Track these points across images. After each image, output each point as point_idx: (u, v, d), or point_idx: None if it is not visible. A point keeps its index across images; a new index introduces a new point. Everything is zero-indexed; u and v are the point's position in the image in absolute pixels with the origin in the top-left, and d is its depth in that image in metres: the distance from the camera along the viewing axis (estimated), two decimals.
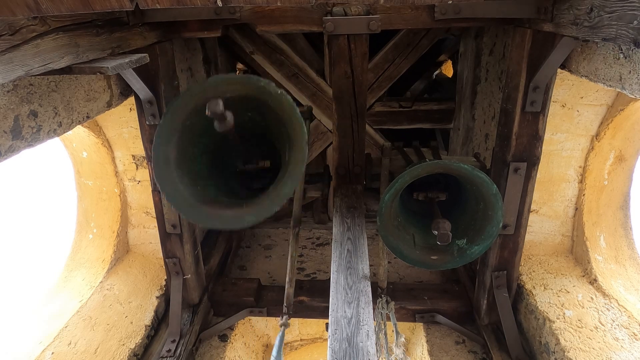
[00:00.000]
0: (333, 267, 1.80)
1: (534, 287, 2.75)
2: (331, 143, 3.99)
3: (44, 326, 2.52)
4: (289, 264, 2.25)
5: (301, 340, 4.11)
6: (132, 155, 3.05)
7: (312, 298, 3.11)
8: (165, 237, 2.76)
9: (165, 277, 3.08)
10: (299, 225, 2.38)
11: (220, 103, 1.49)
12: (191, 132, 1.74)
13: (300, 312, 3.12)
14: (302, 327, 4.02)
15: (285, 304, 2.19)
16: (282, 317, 2.13)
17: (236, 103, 1.68)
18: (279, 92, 1.62)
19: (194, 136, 1.77)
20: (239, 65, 5.25)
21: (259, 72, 4.25)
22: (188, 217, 1.71)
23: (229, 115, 1.54)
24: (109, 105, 2.36)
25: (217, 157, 1.98)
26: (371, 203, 2.53)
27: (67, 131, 2.03)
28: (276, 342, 1.94)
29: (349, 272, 1.75)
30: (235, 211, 1.73)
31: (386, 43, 3.67)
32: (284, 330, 2.05)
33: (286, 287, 2.22)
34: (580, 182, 2.84)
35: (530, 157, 2.32)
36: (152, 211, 2.86)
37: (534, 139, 2.27)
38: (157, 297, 3.02)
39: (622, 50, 1.57)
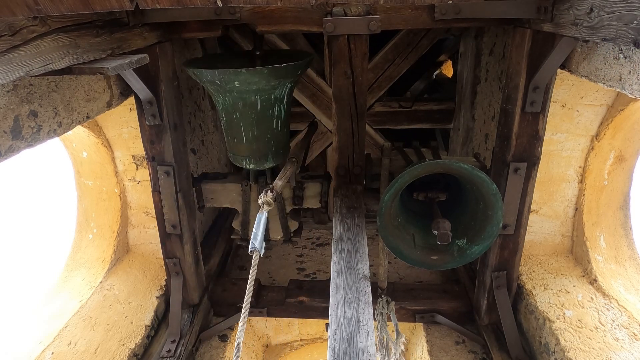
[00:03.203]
0: (333, 268, 1.80)
1: (534, 287, 2.75)
2: (331, 143, 3.99)
3: (44, 326, 2.52)
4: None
5: (301, 340, 4.11)
6: (132, 156, 3.05)
7: (312, 298, 3.11)
8: (165, 237, 2.76)
9: (165, 277, 3.09)
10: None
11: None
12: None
13: (300, 312, 3.12)
14: (302, 327, 4.01)
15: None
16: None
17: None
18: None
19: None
20: None
21: None
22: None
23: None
24: (109, 106, 2.36)
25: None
26: (371, 203, 2.52)
27: (67, 131, 2.03)
28: (257, 223, 1.66)
29: (349, 273, 1.74)
30: None
31: (386, 43, 3.67)
32: (266, 213, 1.75)
33: None
34: (580, 182, 2.84)
35: (530, 157, 2.32)
36: (152, 211, 2.86)
37: (534, 139, 2.28)
38: (157, 297, 3.02)
39: (622, 50, 1.57)
